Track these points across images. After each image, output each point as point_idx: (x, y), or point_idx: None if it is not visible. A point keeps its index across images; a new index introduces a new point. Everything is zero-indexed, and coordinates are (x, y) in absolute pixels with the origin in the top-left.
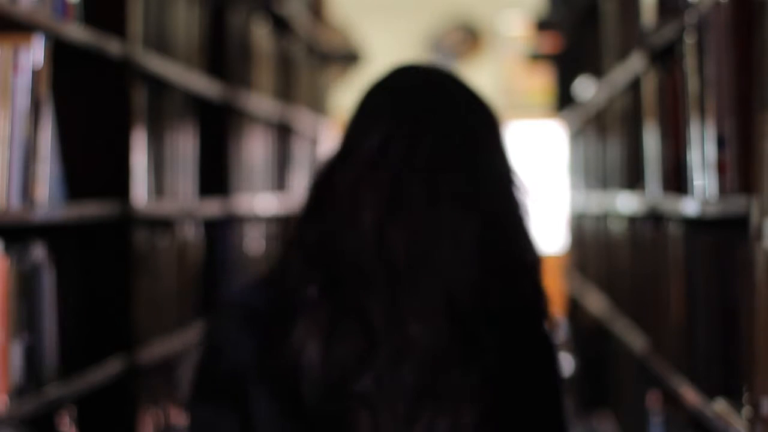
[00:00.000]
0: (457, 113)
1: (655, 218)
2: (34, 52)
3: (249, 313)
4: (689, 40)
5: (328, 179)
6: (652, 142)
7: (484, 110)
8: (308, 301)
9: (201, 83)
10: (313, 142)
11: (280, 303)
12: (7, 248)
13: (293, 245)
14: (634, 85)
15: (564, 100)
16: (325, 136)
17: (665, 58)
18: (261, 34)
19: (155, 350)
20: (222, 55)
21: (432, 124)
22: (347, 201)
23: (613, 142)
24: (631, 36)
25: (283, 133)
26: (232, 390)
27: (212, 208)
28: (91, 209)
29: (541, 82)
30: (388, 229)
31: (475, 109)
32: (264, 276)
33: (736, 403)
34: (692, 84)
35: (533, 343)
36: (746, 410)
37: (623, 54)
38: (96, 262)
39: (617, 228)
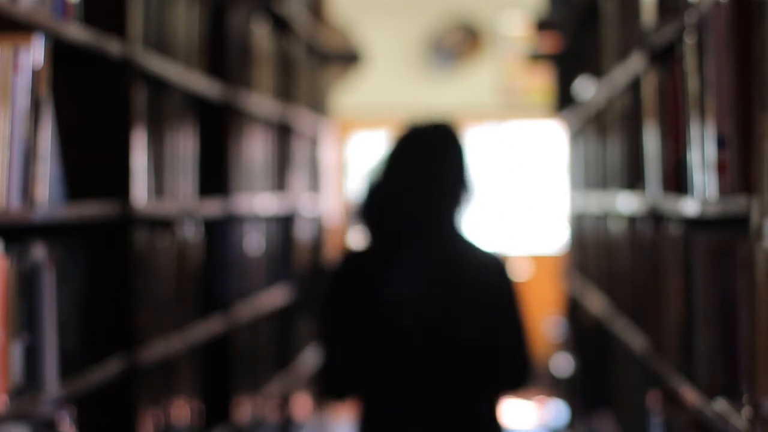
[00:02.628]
0: (441, 168)
1: (655, 218)
2: (34, 52)
3: (352, 265)
4: (689, 40)
5: (375, 193)
6: (652, 142)
7: (456, 149)
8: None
9: (201, 83)
10: (313, 142)
11: (366, 260)
12: (7, 248)
13: (367, 230)
14: (634, 85)
15: (564, 100)
16: (325, 136)
17: (665, 58)
18: (261, 34)
19: (155, 350)
20: (222, 55)
21: (422, 165)
22: (385, 207)
23: (613, 142)
24: (631, 36)
25: (283, 133)
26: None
27: (212, 208)
28: (91, 209)
29: (541, 82)
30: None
31: (456, 163)
32: (355, 254)
33: (736, 403)
34: (692, 84)
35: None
36: (746, 410)
37: (623, 54)
38: (96, 262)
39: (617, 228)
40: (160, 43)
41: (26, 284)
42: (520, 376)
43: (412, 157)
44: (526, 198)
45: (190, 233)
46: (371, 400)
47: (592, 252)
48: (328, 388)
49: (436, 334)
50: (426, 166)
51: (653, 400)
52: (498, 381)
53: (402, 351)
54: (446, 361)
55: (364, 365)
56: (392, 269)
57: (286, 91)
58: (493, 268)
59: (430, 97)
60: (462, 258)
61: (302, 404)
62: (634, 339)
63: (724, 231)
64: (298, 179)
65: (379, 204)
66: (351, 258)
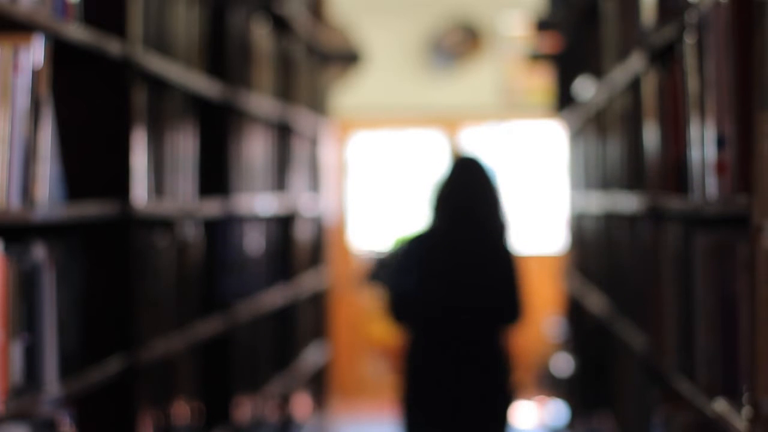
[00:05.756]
0: (480, 184)
1: (655, 218)
2: (34, 52)
3: (420, 242)
4: (689, 40)
5: (437, 204)
6: (652, 142)
7: (491, 179)
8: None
9: (201, 83)
10: (313, 142)
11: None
12: (7, 248)
13: (430, 223)
14: (634, 85)
15: (564, 100)
16: (325, 136)
17: (665, 58)
18: (261, 34)
19: (155, 350)
20: (222, 55)
21: (468, 189)
22: (440, 216)
23: (613, 142)
24: (631, 36)
25: (283, 133)
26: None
27: (212, 208)
28: (91, 209)
29: (541, 82)
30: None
31: (489, 182)
32: (422, 232)
33: (736, 403)
34: (692, 84)
35: (504, 255)
36: (746, 410)
37: (623, 54)
38: (96, 262)
39: (617, 228)
40: (160, 43)
41: (26, 284)
42: (516, 309)
43: (464, 174)
44: (527, 198)
45: (190, 233)
46: (420, 325)
47: (592, 252)
48: (395, 313)
49: (465, 280)
50: (474, 180)
51: (653, 400)
52: (501, 312)
53: (443, 291)
54: (469, 298)
55: (420, 298)
56: (446, 241)
57: (286, 91)
58: (504, 246)
59: (430, 97)
60: (490, 237)
61: (302, 404)
62: (635, 339)
63: (724, 231)
64: (298, 179)
65: (443, 205)
66: (421, 235)
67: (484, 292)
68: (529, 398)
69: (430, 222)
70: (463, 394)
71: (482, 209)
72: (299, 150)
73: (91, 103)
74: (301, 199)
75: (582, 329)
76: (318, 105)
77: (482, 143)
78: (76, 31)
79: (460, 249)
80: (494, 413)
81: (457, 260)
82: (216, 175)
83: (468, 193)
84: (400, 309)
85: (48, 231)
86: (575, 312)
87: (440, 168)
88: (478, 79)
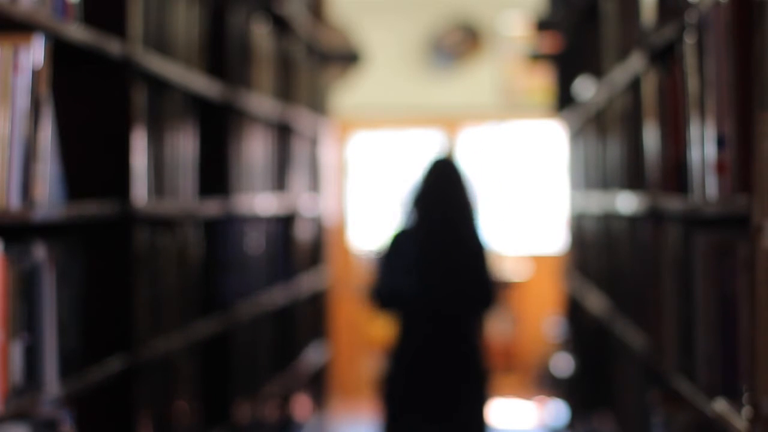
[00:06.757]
0: (454, 184)
1: (655, 218)
2: (34, 52)
3: (402, 238)
4: (689, 40)
5: (414, 205)
6: (652, 142)
7: (466, 181)
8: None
9: (201, 83)
10: (313, 142)
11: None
12: (7, 248)
13: (409, 220)
14: (634, 85)
15: (564, 100)
16: (325, 136)
17: (665, 58)
18: (261, 34)
19: (155, 350)
20: (222, 55)
21: (443, 190)
22: (419, 213)
23: (613, 142)
24: (631, 36)
25: (283, 133)
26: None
27: (212, 208)
28: (91, 209)
29: (541, 82)
30: (428, 226)
31: (461, 181)
32: (403, 229)
33: (736, 403)
34: (692, 84)
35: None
36: (746, 410)
37: (623, 54)
38: (96, 262)
39: (617, 228)
40: (160, 43)
41: (26, 284)
42: (489, 295)
43: (439, 175)
44: (526, 198)
45: (190, 233)
46: (405, 312)
47: (592, 252)
48: (379, 303)
49: (443, 270)
50: (448, 180)
51: (653, 400)
52: (475, 299)
53: (424, 280)
54: (447, 287)
55: (403, 288)
56: (425, 236)
57: (286, 91)
58: (478, 239)
59: (430, 97)
60: (464, 232)
61: (302, 404)
62: (635, 339)
63: (724, 231)
64: (298, 179)
65: (421, 203)
66: (402, 231)
67: (458, 284)
68: (529, 398)
69: (408, 220)
70: (440, 380)
71: (454, 207)
72: (299, 150)
73: (91, 103)
74: (301, 199)
75: (582, 329)
76: (318, 105)
77: (482, 143)
78: (76, 31)
79: (436, 245)
80: (469, 403)
81: (433, 255)
82: (216, 175)
83: (441, 192)
84: (384, 302)
85: (48, 231)
86: (575, 312)
87: (417, 170)
88: (478, 79)
